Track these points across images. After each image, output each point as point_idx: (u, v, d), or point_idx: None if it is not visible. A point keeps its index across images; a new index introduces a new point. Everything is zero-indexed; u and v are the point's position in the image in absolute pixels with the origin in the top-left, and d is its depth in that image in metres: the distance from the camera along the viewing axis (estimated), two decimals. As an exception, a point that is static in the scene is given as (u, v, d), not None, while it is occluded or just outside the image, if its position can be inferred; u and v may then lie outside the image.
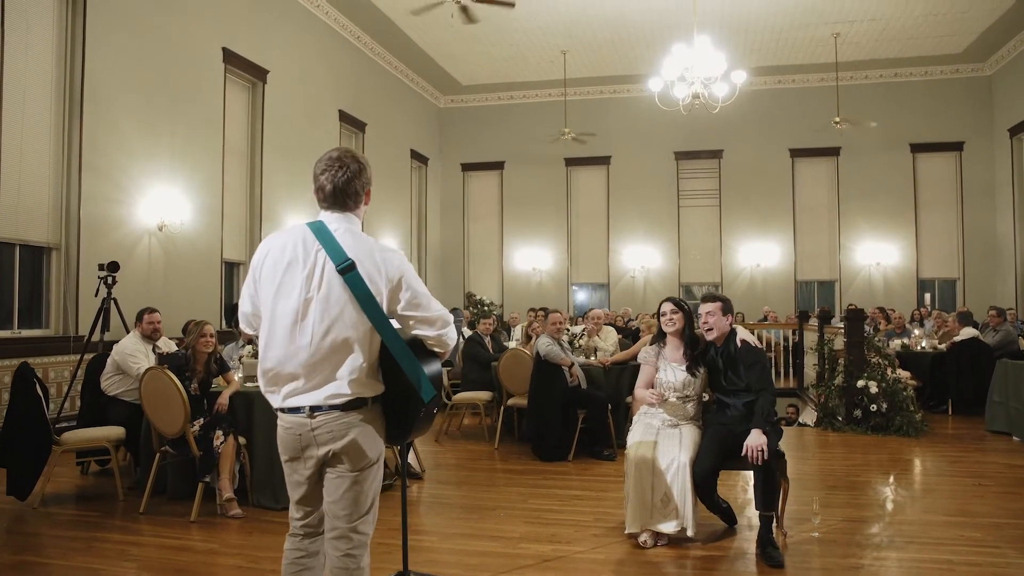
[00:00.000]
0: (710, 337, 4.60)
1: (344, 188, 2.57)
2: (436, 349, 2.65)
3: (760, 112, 16.26)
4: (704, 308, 4.62)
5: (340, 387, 2.51)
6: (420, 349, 2.60)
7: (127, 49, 8.65)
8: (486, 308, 17.18)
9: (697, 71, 10.16)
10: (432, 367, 2.58)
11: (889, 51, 14.99)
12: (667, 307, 4.77)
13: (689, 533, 4.31)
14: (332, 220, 2.58)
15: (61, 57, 8.02)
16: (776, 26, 13.74)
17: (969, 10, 12.92)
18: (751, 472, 4.36)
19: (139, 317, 6.33)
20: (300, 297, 2.51)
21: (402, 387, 2.56)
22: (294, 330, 2.51)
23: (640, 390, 4.72)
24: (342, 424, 2.53)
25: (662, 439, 4.47)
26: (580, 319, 11.91)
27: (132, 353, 5.98)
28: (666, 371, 4.68)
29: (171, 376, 4.96)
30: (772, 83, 16.38)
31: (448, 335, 2.65)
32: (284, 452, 2.63)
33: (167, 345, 6.79)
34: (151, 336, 6.24)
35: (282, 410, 2.58)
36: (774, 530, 4.30)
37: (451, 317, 2.70)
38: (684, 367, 4.64)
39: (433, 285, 17.89)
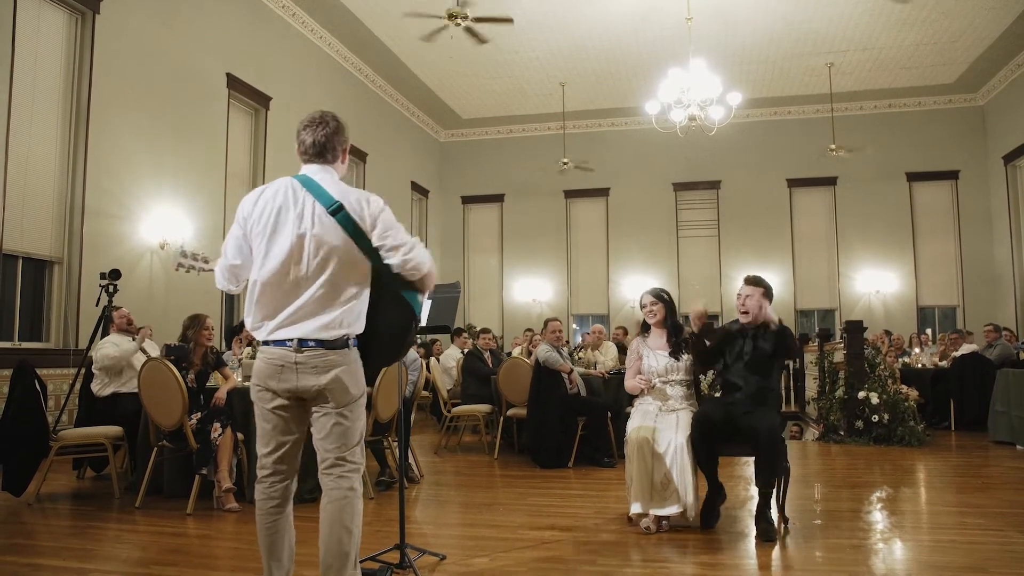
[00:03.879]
0: (744, 320, 4.57)
1: (324, 143, 2.80)
2: (412, 275, 2.78)
3: (757, 142, 16.45)
4: (745, 290, 4.61)
5: (332, 319, 2.65)
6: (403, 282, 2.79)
7: (134, 71, 8.82)
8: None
9: (693, 94, 10.32)
10: (420, 296, 2.81)
11: (883, 81, 15.23)
12: (647, 299, 4.88)
13: (690, 516, 4.28)
14: (314, 171, 2.78)
15: (69, 76, 8.17)
16: (770, 57, 13.98)
17: (959, 38, 13.16)
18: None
19: (109, 318, 6.41)
20: (293, 233, 2.67)
21: (381, 321, 2.77)
22: (289, 264, 2.66)
23: (629, 380, 4.76)
24: (325, 361, 2.67)
25: (660, 423, 4.48)
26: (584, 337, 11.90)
27: (104, 344, 6.10)
28: (649, 358, 4.75)
29: (170, 367, 4.97)
30: (768, 114, 16.60)
31: (417, 256, 2.78)
32: (257, 379, 2.73)
33: (153, 349, 6.82)
34: (127, 329, 6.36)
35: (267, 343, 2.70)
36: (774, 508, 4.27)
37: (420, 243, 2.85)
38: (667, 352, 4.70)
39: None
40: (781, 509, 4.47)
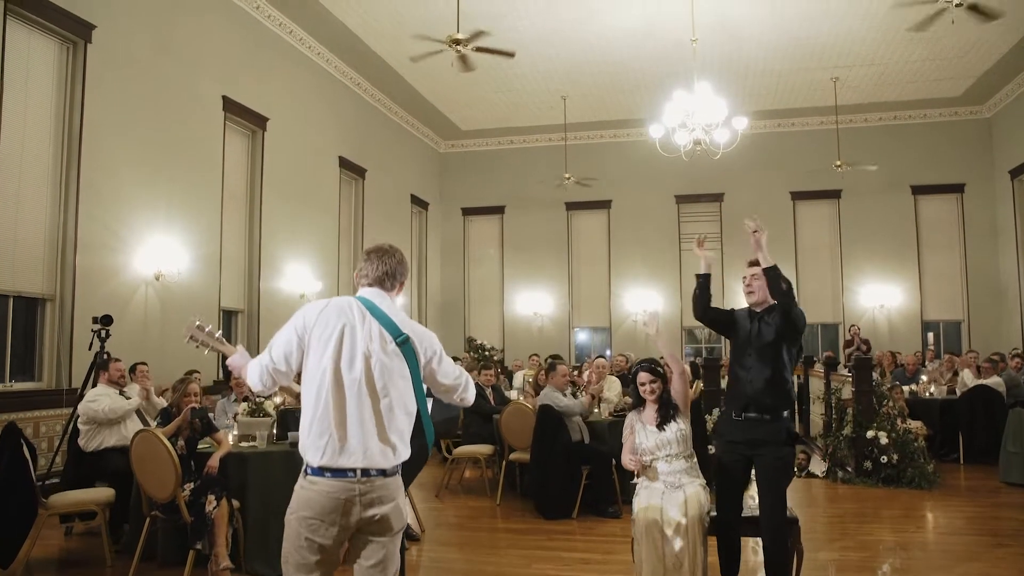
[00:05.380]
0: (750, 300, 4.33)
1: (391, 273, 2.90)
2: (463, 405, 3.06)
3: (761, 155, 16.24)
4: (751, 271, 4.36)
5: (391, 449, 2.68)
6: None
7: (126, 96, 8.63)
8: (487, 353, 17.00)
9: (698, 118, 10.13)
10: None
11: (888, 94, 15.05)
12: (644, 377, 4.57)
13: None
14: (375, 296, 2.84)
15: (60, 104, 7.98)
16: (776, 70, 13.79)
17: (967, 54, 12.98)
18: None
19: (104, 366, 6.24)
20: (360, 352, 2.69)
21: (416, 441, 2.83)
22: (355, 385, 2.66)
23: (624, 456, 4.54)
24: (388, 491, 2.68)
25: (666, 503, 4.29)
26: (578, 371, 11.73)
27: (93, 398, 5.92)
28: (640, 434, 4.52)
29: (161, 438, 4.80)
30: (772, 126, 16.41)
31: (470, 393, 3.02)
32: (315, 514, 2.62)
33: (134, 394, 6.68)
34: (118, 382, 6.21)
35: (324, 469, 2.62)
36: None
37: (470, 380, 3.04)
38: (655, 426, 4.46)
39: (433, 329, 17.65)
40: (795, 593, 4.31)
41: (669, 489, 4.37)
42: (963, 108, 15.72)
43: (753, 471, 4.18)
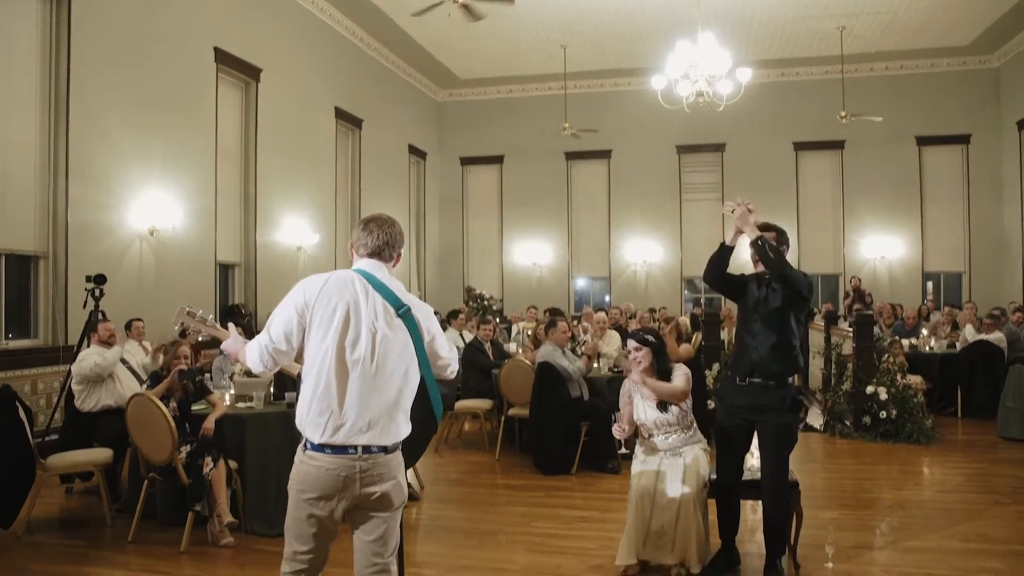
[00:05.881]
0: (758, 268, 4.14)
1: (389, 242, 2.80)
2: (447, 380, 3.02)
3: (764, 105, 15.92)
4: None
5: (394, 425, 2.65)
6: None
7: (115, 49, 8.40)
8: (486, 303, 16.98)
9: (701, 69, 9.90)
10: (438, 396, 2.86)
11: (895, 43, 14.71)
12: (631, 344, 4.49)
13: (694, 570, 4.10)
14: (374, 268, 2.76)
15: (46, 57, 7.77)
16: (780, 18, 13.46)
17: (977, 2, 12.64)
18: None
19: (94, 328, 6.19)
20: (366, 329, 2.62)
21: (423, 415, 2.78)
22: (361, 363, 2.60)
23: (617, 426, 4.39)
24: (389, 468, 2.66)
25: (666, 468, 4.25)
26: (578, 320, 11.69)
27: (83, 357, 5.87)
28: (639, 407, 4.44)
29: (156, 402, 4.76)
30: (776, 76, 16.09)
31: (454, 367, 2.96)
32: (314, 490, 2.60)
33: (136, 351, 6.64)
34: (107, 342, 6.11)
35: (325, 446, 2.58)
36: (783, 564, 4.12)
37: (456, 358, 2.99)
38: (655, 403, 4.39)
39: (432, 281, 17.70)
40: (793, 554, 4.32)
41: (668, 455, 4.35)
42: (971, 57, 15.40)
43: (756, 436, 4.14)
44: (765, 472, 4.09)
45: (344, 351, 2.59)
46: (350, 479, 2.58)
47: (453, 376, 3.01)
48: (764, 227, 4.13)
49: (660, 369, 4.45)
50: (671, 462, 4.30)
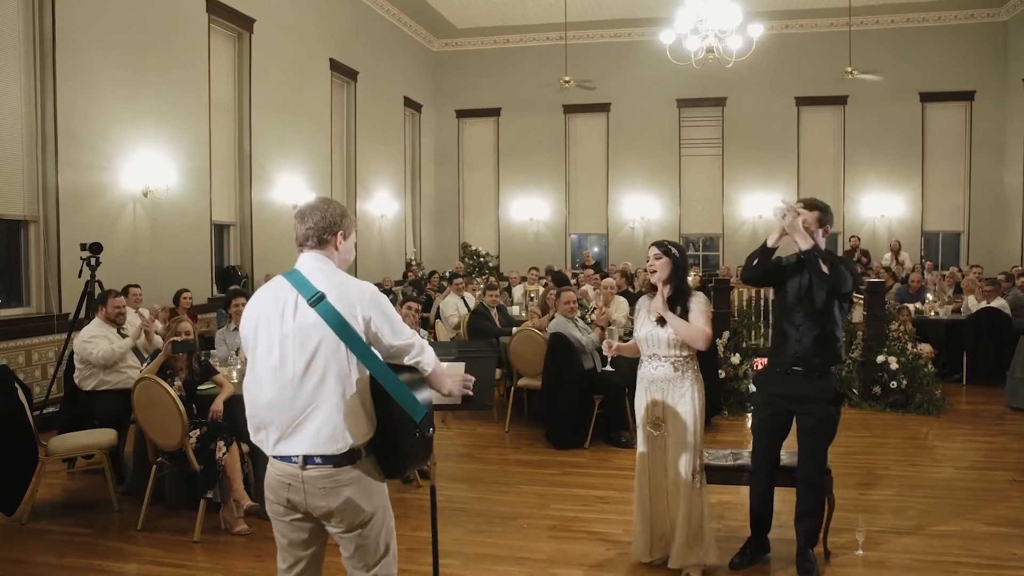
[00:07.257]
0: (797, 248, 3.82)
1: (315, 227, 2.58)
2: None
3: (766, 59, 15.47)
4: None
5: (335, 431, 2.42)
6: (404, 373, 2.53)
7: (101, 2, 7.97)
8: (482, 259, 16.79)
9: (711, 23, 9.58)
10: (422, 394, 2.51)
11: (903, -6, 14.36)
12: (651, 252, 4.03)
13: (710, 562, 4.00)
14: (305, 261, 2.58)
15: (29, 12, 7.36)
16: (789, -31, 13.06)
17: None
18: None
19: (102, 301, 5.89)
20: (276, 335, 2.48)
21: (393, 416, 2.48)
22: (275, 370, 2.47)
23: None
24: (333, 482, 2.46)
25: (655, 449, 4.02)
26: (576, 280, 11.54)
27: (89, 339, 5.59)
28: (638, 322, 4.10)
29: (164, 386, 4.57)
30: (779, 28, 15.65)
31: (424, 362, 2.60)
32: (271, 495, 2.55)
33: (133, 319, 6.41)
34: (115, 320, 5.86)
35: (274, 457, 2.52)
36: (812, 553, 4.04)
37: (426, 343, 2.65)
38: (655, 319, 3.95)
39: (427, 237, 17.44)
40: (824, 542, 4.25)
41: (647, 426, 4.02)
42: (980, 10, 15.06)
43: (795, 426, 4.00)
44: (802, 463, 3.98)
45: (260, 362, 2.51)
46: (296, 488, 2.47)
47: (424, 366, 2.58)
48: (809, 204, 3.86)
49: (676, 288, 3.99)
50: (656, 438, 4.00)
